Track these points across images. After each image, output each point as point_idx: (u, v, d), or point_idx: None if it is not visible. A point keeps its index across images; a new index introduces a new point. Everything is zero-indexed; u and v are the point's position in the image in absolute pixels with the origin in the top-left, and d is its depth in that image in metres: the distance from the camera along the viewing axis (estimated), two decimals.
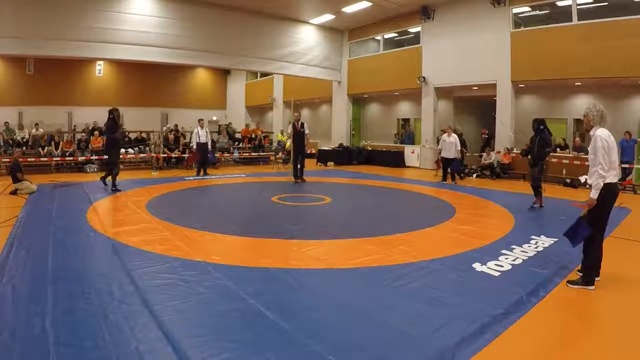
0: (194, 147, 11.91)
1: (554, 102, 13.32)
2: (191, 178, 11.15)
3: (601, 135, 3.58)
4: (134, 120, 18.92)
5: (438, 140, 14.66)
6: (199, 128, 11.82)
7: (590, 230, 3.58)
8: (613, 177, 3.58)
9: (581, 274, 3.66)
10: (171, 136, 14.50)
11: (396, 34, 16.59)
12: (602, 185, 3.51)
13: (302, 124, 10.40)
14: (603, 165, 3.49)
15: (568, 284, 3.63)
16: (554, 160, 11.24)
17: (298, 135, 10.35)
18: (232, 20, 14.31)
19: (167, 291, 3.31)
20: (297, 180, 10.35)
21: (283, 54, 15.99)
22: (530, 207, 7.27)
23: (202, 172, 11.74)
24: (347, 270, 3.95)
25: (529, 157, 7.62)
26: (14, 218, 5.89)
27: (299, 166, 10.43)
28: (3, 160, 11.68)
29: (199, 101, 23.30)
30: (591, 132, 3.70)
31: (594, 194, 3.53)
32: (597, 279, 3.62)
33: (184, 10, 13.38)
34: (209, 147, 12.13)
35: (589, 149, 3.73)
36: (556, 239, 4.96)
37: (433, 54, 14.61)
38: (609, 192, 3.58)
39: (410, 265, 4.07)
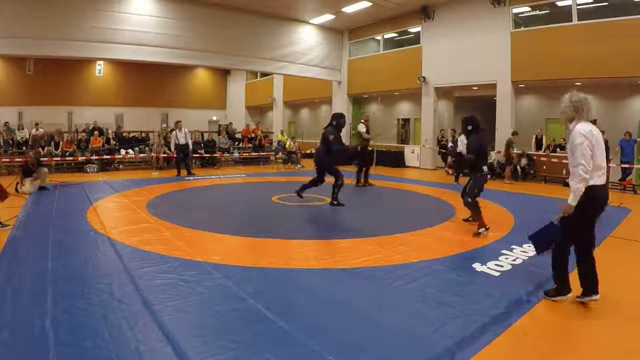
0: (173, 149, 11.91)
1: (554, 102, 13.28)
2: (191, 178, 11.15)
3: (580, 130, 3.03)
4: (134, 120, 18.96)
5: (438, 141, 14.72)
6: (177, 130, 11.73)
7: (559, 240, 3.18)
8: (598, 179, 3.04)
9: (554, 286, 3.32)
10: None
11: (396, 34, 16.59)
12: (584, 189, 2.99)
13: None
14: (585, 165, 2.95)
15: (545, 295, 3.31)
16: (554, 160, 11.25)
17: (365, 139, 9.62)
18: (232, 20, 14.32)
19: (167, 291, 3.31)
20: (366, 184, 9.74)
21: (283, 54, 15.99)
22: (476, 233, 5.32)
23: (182, 173, 11.64)
24: (347, 270, 3.94)
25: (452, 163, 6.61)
26: (14, 218, 5.89)
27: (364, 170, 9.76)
28: (3, 160, 11.69)
29: (199, 101, 23.32)
30: (570, 127, 3.15)
31: (572, 200, 3.00)
32: (596, 297, 3.18)
33: (183, 10, 13.39)
34: (190, 148, 12.05)
35: (567, 147, 3.22)
36: None
37: (433, 54, 14.61)
38: (593, 197, 3.05)
39: (410, 265, 4.06)
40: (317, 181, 7.27)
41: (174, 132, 11.84)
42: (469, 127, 5.61)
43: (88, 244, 4.73)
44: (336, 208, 7.05)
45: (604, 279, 3.69)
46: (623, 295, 3.47)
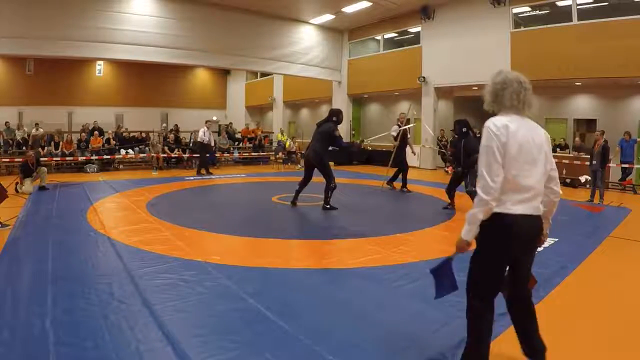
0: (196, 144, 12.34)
1: (554, 102, 13.33)
2: (191, 178, 11.16)
3: (490, 125, 1.95)
4: (134, 120, 18.95)
5: (438, 141, 14.70)
6: (206, 128, 12.19)
7: (455, 288, 2.29)
8: (517, 205, 1.95)
9: None
10: (172, 136, 14.52)
11: (396, 34, 16.60)
12: (482, 217, 1.96)
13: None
14: (487, 180, 1.91)
15: None
16: (554, 160, 11.26)
17: (404, 140, 9.07)
18: (232, 20, 14.32)
19: (167, 291, 3.31)
20: (403, 189, 9.15)
21: (283, 54, 15.99)
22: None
23: (203, 172, 11.83)
24: (347, 270, 3.95)
25: (454, 164, 6.86)
26: (14, 218, 5.89)
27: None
28: (3, 160, 11.68)
29: (199, 101, 23.30)
30: None
31: (465, 232, 2.05)
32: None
33: (184, 10, 13.39)
34: (212, 147, 12.65)
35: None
36: (556, 239, 4.96)
37: (433, 54, 14.61)
38: (502, 233, 1.96)
39: (410, 265, 4.07)
40: (305, 181, 7.16)
41: (203, 129, 12.17)
42: (464, 129, 6.19)
43: (88, 244, 4.73)
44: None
45: (602, 275, 3.68)
46: (623, 293, 3.47)
